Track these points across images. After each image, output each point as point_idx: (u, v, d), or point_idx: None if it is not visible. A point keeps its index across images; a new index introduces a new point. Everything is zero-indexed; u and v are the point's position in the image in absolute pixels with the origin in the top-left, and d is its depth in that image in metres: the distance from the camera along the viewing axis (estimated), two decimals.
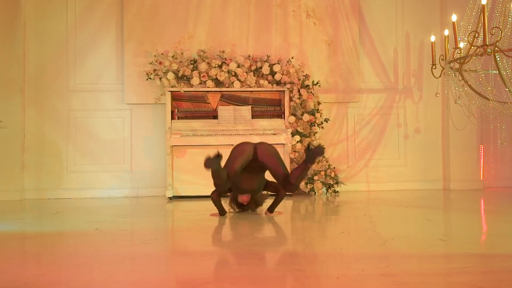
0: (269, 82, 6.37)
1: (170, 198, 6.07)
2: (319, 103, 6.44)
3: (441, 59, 4.59)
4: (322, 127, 6.42)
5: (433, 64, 4.68)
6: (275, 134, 6.11)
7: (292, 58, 6.54)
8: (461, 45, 4.57)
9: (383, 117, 7.01)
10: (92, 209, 5.44)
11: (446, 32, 4.65)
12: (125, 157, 6.64)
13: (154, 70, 6.42)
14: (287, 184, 4.49)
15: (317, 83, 6.47)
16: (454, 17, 4.60)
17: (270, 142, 5.89)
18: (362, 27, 6.95)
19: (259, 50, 6.68)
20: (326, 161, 6.34)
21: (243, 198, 4.65)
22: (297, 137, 6.16)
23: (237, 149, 4.63)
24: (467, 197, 6.09)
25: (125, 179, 6.62)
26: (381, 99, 7.02)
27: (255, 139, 5.97)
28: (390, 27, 7.03)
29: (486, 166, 6.98)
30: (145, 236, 3.86)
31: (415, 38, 7.04)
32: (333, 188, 6.30)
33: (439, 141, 7.05)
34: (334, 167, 6.37)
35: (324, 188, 6.30)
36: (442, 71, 4.58)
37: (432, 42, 4.63)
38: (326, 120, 6.48)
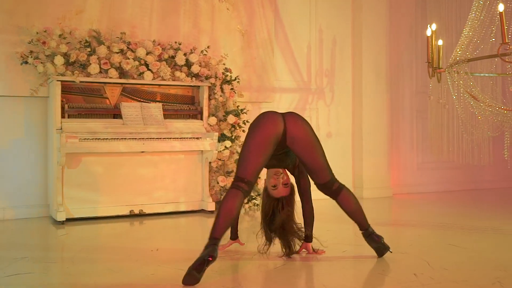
0: (186, 75, 5.23)
1: (62, 222, 4.57)
2: (235, 102, 5.51)
3: (429, 63, 4.06)
4: (243, 131, 5.50)
5: (429, 63, 4.10)
6: (197, 139, 5.00)
7: (208, 47, 5.48)
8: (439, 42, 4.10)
9: None
10: None
11: (429, 32, 4.12)
12: None
13: (31, 52, 4.82)
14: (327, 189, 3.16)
15: (235, 78, 5.52)
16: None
17: (192, 148, 4.86)
18: (276, 18, 6.18)
19: (164, 35, 5.48)
20: None
21: (280, 190, 3.16)
22: (228, 143, 5.13)
23: (258, 132, 3.03)
24: (380, 207, 5.78)
25: None
26: (294, 99, 6.34)
27: (174, 145, 4.84)
28: (303, 20, 6.38)
29: (393, 173, 6.78)
30: None
31: (328, 34, 6.51)
32: (254, 201, 5.43)
33: (349, 146, 6.64)
34: (259, 177, 5.50)
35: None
36: (432, 71, 4.04)
37: (428, 37, 4.07)
38: (244, 122, 5.57)
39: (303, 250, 3.36)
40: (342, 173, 6.35)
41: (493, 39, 4.04)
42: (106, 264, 3.14)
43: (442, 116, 6.43)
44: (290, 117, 3.11)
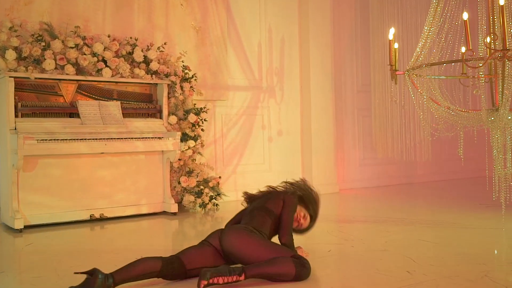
0: (145, 72, 5.03)
1: (20, 230, 4.24)
2: (192, 101, 5.39)
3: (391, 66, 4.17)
4: (203, 130, 5.39)
5: (392, 66, 4.20)
6: (160, 139, 4.83)
7: (165, 44, 5.31)
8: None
9: (249, 118, 6.32)
10: None
11: (391, 36, 4.25)
12: None
13: None
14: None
15: (192, 76, 5.40)
16: None
17: (155, 149, 4.73)
18: (228, 16, 6.12)
19: (119, 30, 5.24)
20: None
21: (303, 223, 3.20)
22: (191, 142, 5.00)
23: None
24: (333, 203, 5.94)
25: None
26: (247, 97, 6.31)
27: (137, 145, 4.67)
28: (254, 19, 6.37)
29: (338, 169, 6.96)
30: None
31: (277, 33, 6.55)
32: (214, 201, 5.35)
33: (299, 144, 6.73)
34: (220, 177, 5.44)
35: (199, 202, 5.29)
36: (393, 73, 4.15)
37: (390, 40, 4.17)
38: (204, 121, 5.47)
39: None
40: (292, 171, 6.50)
41: (444, 43, 4.24)
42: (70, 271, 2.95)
43: (386, 115, 6.70)
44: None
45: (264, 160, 6.39)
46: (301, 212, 3.19)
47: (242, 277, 2.56)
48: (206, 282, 2.46)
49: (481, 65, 3.29)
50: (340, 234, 4.09)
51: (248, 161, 6.23)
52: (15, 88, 4.40)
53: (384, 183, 7.39)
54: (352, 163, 7.18)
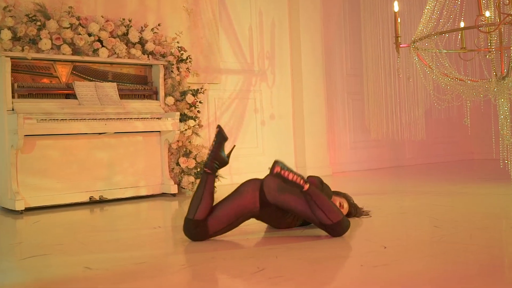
0: (142, 53, 4.98)
1: (21, 212, 4.15)
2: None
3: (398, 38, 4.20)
4: (199, 111, 5.36)
5: (397, 37, 4.24)
6: (158, 119, 4.78)
7: (159, 25, 5.26)
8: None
9: (242, 101, 6.31)
10: None
11: (396, 7, 4.29)
12: None
13: None
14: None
15: (187, 58, 5.36)
16: None
17: (154, 129, 4.70)
18: None
19: (111, 12, 5.17)
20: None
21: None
22: (191, 122, 4.96)
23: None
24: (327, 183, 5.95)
25: None
26: (239, 81, 6.30)
27: (136, 125, 4.62)
28: (244, 2, 6.35)
29: (330, 152, 7.00)
30: None
31: (267, 17, 6.55)
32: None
33: (291, 127, 6.74)
34: None
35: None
36: (399, 48, 4.19)
37: (395, 12, 4.21)
38: (200, 102, 5.42)
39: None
40: (285, 154, 6.52)
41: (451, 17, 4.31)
42: (83, 256, 2.92)
43: (379, 96, 6.76)
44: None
45: (258, 143, 6.40)
46: (336, 202, 3.15)
47: (306, 186, 2.65)
48: (279, 169, 2.56)
49: (492, 30, 3.35)
50: None
51: (242, 145, 6.20)
52: (11, 69, 4.31)
53: (375, 166, 7.45)
54: (343, 146, 7.23)
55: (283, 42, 6.68)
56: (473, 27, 4.01)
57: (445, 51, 4.49)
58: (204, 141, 5.74)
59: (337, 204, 3.17)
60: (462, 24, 4.62)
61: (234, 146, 3.10)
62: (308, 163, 6.63)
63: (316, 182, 2.95)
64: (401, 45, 4.51)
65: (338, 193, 3.24)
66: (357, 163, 7.28)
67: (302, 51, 6.64)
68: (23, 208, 4.14)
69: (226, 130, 5.96)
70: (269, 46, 6.57)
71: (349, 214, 3.23)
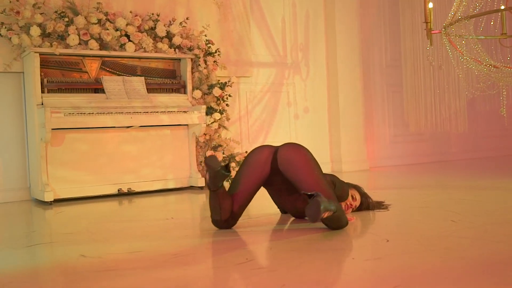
0: (169, 47, 5.03)
1: (50, 203, 4.29)
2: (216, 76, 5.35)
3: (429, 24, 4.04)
4: (227, 105, 5.36)
5: (427, 23, 4.07)
6: (185, 112, 4.82)
7: (187, 19, 5.29)
8: None
9: (274, 94, 6.26)
10: None
11: None
12: None
13: (2, 23, 4.48)
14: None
15: (216, 51, 5.37)
16: None
17: (180, 122, 4.71)
18: None
19: (140, 7, 5.24)
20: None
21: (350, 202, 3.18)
22: (217, 115, 4.98)
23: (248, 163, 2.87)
24: (360, 178, 5.81)
25: None
26: (271, 74, 6.25)
27: (162, 119, 4.66)
28: None
29: (368, 146, 6.83)
30: None
31: (301, 8, 6.46)
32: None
33: (326, 121, 6.63)
34: (247, 151, 5.40)
35: None
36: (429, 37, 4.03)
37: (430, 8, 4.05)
38: (229, 96, 5.42)
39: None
40: (319, 148, 6.42)
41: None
42: (124, 245, 2.95)
43: (418, 88, 6.53)
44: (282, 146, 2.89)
45: (291, 137, 6.32)
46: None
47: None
48: (326, 215, 2.47)
49: None
50: (375, 198, 3.97)
51: (274, 139, 6.15)
52: (40, 65, 4.45)
53: (416, 161, 7.21)
54: (382, 140, 7.04)
55: (317, 33, 6.57)
56: (505, 9, 3.80)
57: (482, 37, 4.28)
58: (234, 135, 5.73)
59: (350, 197, 3.12)
60: (502, 7, 4.38)
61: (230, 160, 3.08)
62: (343, 157, 6.50)
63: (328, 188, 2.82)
64: (432, 31, 4.34)
65: (349, 185, 3.17)
66: (397, 158, 7.07)
67: (338, 42, 6.51)
68: (52, 200, 4.27)
69: (258, 124, 6.00)
70: (303, 37, 6.48)
71: (361, 205, 3.17)
